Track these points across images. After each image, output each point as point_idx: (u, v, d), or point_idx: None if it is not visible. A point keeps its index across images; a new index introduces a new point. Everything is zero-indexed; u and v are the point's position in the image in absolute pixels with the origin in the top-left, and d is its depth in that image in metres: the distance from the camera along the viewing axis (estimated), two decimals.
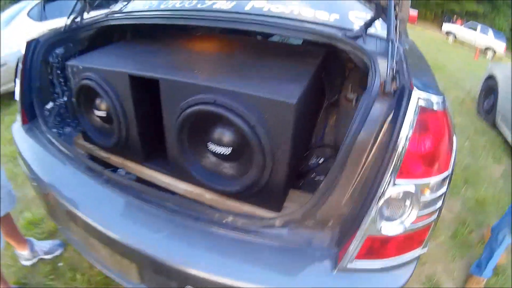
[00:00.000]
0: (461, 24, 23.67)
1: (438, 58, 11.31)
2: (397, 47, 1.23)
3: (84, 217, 1.46)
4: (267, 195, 1.45)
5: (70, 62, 1.74)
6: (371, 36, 1.59)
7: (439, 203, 1.19)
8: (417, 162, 1.12)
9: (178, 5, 1.89)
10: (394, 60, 1.20)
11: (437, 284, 2.42)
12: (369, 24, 1.50)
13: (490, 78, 5.94)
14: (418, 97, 1.08)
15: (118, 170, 1.83)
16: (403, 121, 1.07)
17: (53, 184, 1.62)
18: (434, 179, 1.14)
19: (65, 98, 2.13)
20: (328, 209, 1.24)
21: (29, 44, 1.92)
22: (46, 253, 2.29)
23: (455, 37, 22.02)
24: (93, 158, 1.93)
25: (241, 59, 1.70)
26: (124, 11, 2.12)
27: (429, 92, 1.13)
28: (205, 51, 1.88)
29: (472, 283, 2.39)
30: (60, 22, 2.10)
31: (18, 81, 1.92)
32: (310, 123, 2.05)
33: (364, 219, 1.13)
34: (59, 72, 2.06)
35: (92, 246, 1.60)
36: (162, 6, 1.95)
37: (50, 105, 2.06)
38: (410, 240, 1.22)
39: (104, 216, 1.46)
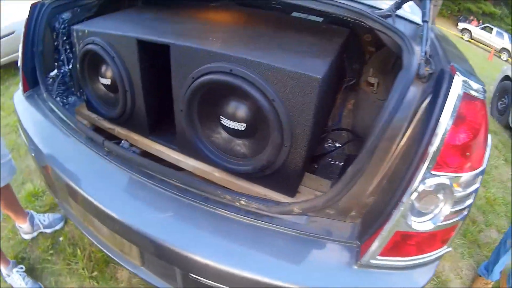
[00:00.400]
0: (477, 26, 23.50)
1: None
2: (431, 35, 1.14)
3: (82, 193, 1.37)
4: (282, 178, 1.35)
5: (76, 26, 1.63)
6: (401, 18, 1.49)
7: (470, 200, 1.09)
8: (454, 154, 1.01)
9: None
10: (428, 42, 1.10)
11: (445, 282, 2.37)
12: (400, 4, 1.40)
13: (505, 80, 5.86)
14: (461, 82, 0.97)
15: (122, 142, 1.73)
16: (443, 108, 0.96)
17: (51, 156, 1.54)
18: (469, 174, 1.03)
19: (70, 66, 2.03)
20: (351, 198, 1.13)
21: (33, 7, 1.80)
22: (46, 227, 2.24)
23: (471, 36, 21.80)
24: (97, 129, 1.84)
25: (261, 31, 1.56)
26: None
27: (471, 77, 1.02)
28: (222, 22, 1.75)
29: (479, 284, 2.34)
30: None
31: (20, 46, 1.83)
32: (329, 105, 1.93)
33: (394, 212, 1.02)
34: (65, 38, 1.95)
35: (91, 223, 1.52)
36: None
37: (54, 72, 1.97)
38: (436, 238, 1.12)
39: (103, 192, 1.37)
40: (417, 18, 1.55)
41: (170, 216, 1.24)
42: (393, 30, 1.27)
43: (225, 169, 1.43)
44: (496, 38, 20.51)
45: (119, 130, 1.78)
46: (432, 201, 1.05)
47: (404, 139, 1.05)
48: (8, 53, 4.53)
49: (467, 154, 1.03)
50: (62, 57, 2.00)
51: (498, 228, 3.06)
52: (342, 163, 1.88)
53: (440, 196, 1.04)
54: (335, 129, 2.10)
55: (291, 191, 1.39)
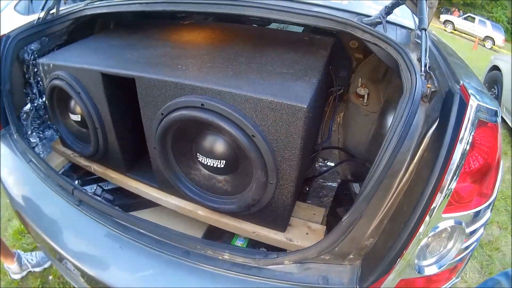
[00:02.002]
0: (459, 16, 23.61)
1: None
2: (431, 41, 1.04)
3: (53, 245, 1.26)
4: (270, 214, 1.24)
5: (41, 60, 1.52)
6: (390, 23, 1.36)
7: (481, 230, 0.98)
8: (468, 190, 0.88)
9: None
10: (427, 54, 1.00)
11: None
12: (391, 9, 1.26)
13: (494, 70, 5.81)
14: (476, 108, 0.84)
15: (94, 187, 1.62)
16: (455, 138, 0.83)
17: (21, 203, 1.43)
18: (481, 207, 0.93)
19: (44, 99, 1.90)
20: (349, 242, 1.02)
21: None
22: (35, 265, 2.14)
23: (454, 27, 21.83)
24: (74, 166, 1.75)
25: (237, 51, 1.43)
26: None
27: (484, 98, 0.89)
28: (194, 42, 1.61)
29: None
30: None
31: None
32: (317, 123, 1.80)
33: (399, 259, 0.90)
34: (36, 70, 1.83)
35: (69, 271, 1.39)
36: None
37: (27, 106, 1.84)
38: (443, 275, 1.01)
39: (75, 246, 1.25)
40: (408, 22, 1.45)
41: (149, 275, 1.12)
42: (386, 41, 1.16)
43: (208, 208, 1.32)
44: (479, 27, 20.60)
45: (95, 168, 1.67)
46: (441, 243, 0.95)
47: (407, 174, 0.93)
48: None
49: (482, 186, 0.92)
50: (34, 90, 1.88)
51: (500, 224, 2.98)
52: (335, 184, 1.79)
53: (452, 236, 0.94)
54: (326, 147, 1.99)
55: (282, 226, 1.28)
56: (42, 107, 1.92)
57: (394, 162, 0.91)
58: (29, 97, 1.86)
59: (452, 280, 1.04)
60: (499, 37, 20.07)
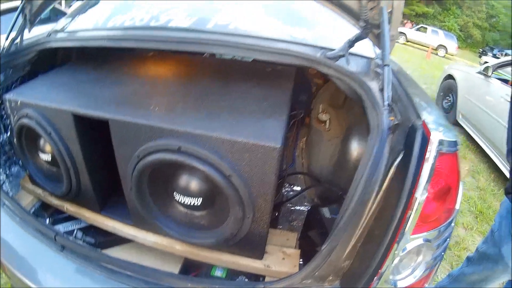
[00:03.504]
0: (411, 27, 24.46)
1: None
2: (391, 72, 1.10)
3: None
4: (248, 244, 1.27)
5: (8, 96, 1.47)
6: (354, 55, 1.42)
7: (448, 241, 1.08)
8: (432, 212, 0.98)
9: (128, 23, 1.59)
10: (390, 88, 1.06)
11: None
12: (353, 42, 1.31)
13: (449, 78, 6.08)
14: (438, 141, 0.93)
15: (74, 231, 1.59)
16: (419, 170, 0.92)
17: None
18: (446, 222, 1.03)
19: (9, 133, 1.84)
20: (327, 266, 1.06)
21: None
22: None
23: (406, 38, 22.46)
24: (45, 204, 1.69)
25: (205, 86, 1.45)
26: (67, 30, 1.82)
27: (444, 130, 0.99)
28: (162, 77, 1.62)
29: None
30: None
31: None
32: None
33: (376, 277, 0.98)
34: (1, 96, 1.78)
35: None
36: (110, 24, 1.64)
37: None
38: (419, 283, 1.09)
39: None
40: (369, 51, 1.50)
41: None
42: (350, 77, 1.21)
43: (187, 243, 1.33)
44: (431, 36, 21.40)
45: (68, 207, 1.61)
46: (412, 259, 1.03)
47: (377, 201, 0.99)
48: None
49: (446, 206, 1.01)
50: (3, 135, 1.82)
51: (464, 225, 3.14)
52: (303, 208, 1.83)
53: (421, 252, 1.02)
54: (292, 173, 2.03)
55: (259, 254, 1.31)
56: (7, 142, 1.85)
57: (365, 192, 0.98)
58: None
59: (425, 286, 1.12)
60: (452, 45, 20.94)
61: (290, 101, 1.34)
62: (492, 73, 4.78)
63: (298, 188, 1.97)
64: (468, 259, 1.89)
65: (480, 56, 22.65)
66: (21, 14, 1.76)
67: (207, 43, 1.37)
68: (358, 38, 1.29)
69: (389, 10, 1.14)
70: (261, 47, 1.33)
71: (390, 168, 0.98)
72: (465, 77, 5.51)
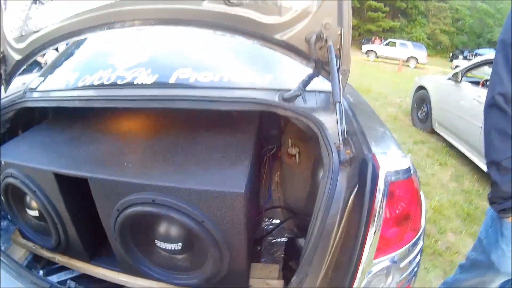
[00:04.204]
0: (380, 43, 25.00)
1: (362, 82, 10.81)
2: (344, 108, 1.17)
3: None
4: (231, 280, 1.33)
5: None
6: (310, 91, 1.49)
7: (418, 257, 1.14)
8: (393, 236, 1.06)
9: (96, 82, 1.71)
10: (344, 125, 1.13)
11: None
12: (307, 81, 1.42)
13: (420, 90, 6.27)
14: (386, 173, 1.01)
15: (67, 282, 1.63)
16: (372, 200, 1.00)
17: None
18: (411, 242, 1.09)
19: None
20: None
21: None
22: None
23: (376, 55, 22.92)
24: (37, 256, 1.73)
25: (173, 138, 1.56)
26: (40, 89, 1.92)
27: (395, 159, 1.07)
28: (133, 130, 1.73)
29: None
30: None
31: None
32: (256, 185, 1.91)
33: None
34: None
35: None
36: (80, 83, 1.75)
37: None
38: None
39: None
40: (326, 85, 1.56)
41: None
42: (306, 117, 1.30)
43: (173, 284, 1.39)
44: (400, 50, 21.92)
45: (59, 258, 1.67)
46: (381, 279, 1.08)
47: (339, 232, 1.07)
48: None
49: (406, 227, 1.08)
50: None
51: (453, 230, 3.17)
52: (284, 239, 1.89)
53: (389, 272, 1.07)
54: (269, 208, 2.10)
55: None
56: None
57: (326, 225, 1.06)
58: None
59: None
60: (422, 54, 21.52)
61: (255, 144, 1.44)
62: (461, 78, 4.92)
63: (277, 221, 2.03)
64: (461, 266, 1.93)
65: (451, 60, 23.23)
66: None
67: (172, 99, 1.48)
68: (311, 77, 1.39)
69: (338, 47, 1.23)
70: (222, 98, 1.45)
71: (348, 199, 1.07)
72: (436, 86, 5.68)
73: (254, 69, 1.68)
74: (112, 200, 1.27)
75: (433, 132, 5.71)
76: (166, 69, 1.65)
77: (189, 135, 1.57)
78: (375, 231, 0.99)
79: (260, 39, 1.36)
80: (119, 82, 1.64)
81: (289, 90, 1.46)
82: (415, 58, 21.39)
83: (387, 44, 23.47)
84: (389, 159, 1.06)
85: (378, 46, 23.93)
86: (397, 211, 1.05)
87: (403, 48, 22.05)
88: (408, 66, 20.59)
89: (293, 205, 1.96)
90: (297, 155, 1.87)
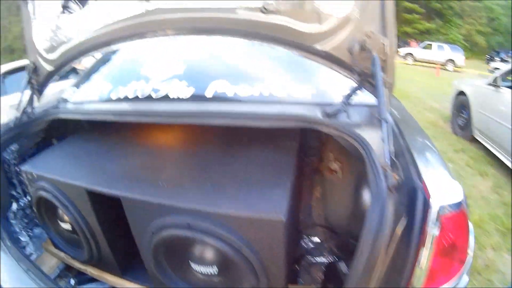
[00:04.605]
0: (417, 46, 24.52)
1: (401, 86, 10.53)
2: (392, 126, 1.09)
3: None
4: None
5: (24, 168, 1.55)
6: (354, 106, 1.39)
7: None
8: (439, 268, 0.98)
9: (130, 95, 1.69)
10: (391, 145, 1.05)
11: None
12: (351, 95, 1.33)
13: (460, 95, 6.02)
14: (438, 208, 0.94)
15: None
16: (421, 234, 0.93)
17: None
18: (458, 274, 1.02)
19: (29, 198, 1.92)
20: None
21: None
22: None
23: (414, 58, 22.48)
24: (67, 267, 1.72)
25: (209, 154, 1.51)
26: (74, 100, 1.95)
27: (446, 188, 1.00)
28: (167, 145, 1.69)
29: None
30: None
31: None
32: (297, 203, 1.80)
33: None
34: (18, 169, 1.85)
35: None
36: (113, 96, 1.74)
37: (14, 206, 1.85)
38: None
39: None
40: (369, 97, 1.48)
41: None
42: (351, 135, 1.21)
43: None
44: (438, 53, 21.43)
45: (91, 271, 1.66)
46: None
47: (384, 266, 0.99)
48: None
49: (454, 260, 1.01)
50: (18, 190, 1.89)
51: (493, 246, 3.00)
52: (323, 259, 1.80)
53: None
54: (309, 225, 2.01)
55: None
56: (28, 204, 1.91)
57: (370, 258, 0.97)
58: (14, 197, 1.87)
59: None
60: (459, 57, 20.92)
61: (296, 161, 1.37)
62: (501, 82, 4.70)
63: (317, 239, 1.93)
64: None
65: (488, 63, 22.38)
66: (28, 84, 1.87)
67: (209, 116, 1.42)
68: (354, 91, 1.30)
69: (382, 57, 1.14)
70: (262, 115, 1.38)
71: (394, 229, 0.98)
72: (476, 91, 5.44)
73: (294, 80, 1.60)
74: (146, 220, 1.24)
75: (473, 139, 5.45)
76: (202, 81, 1.61)
77: (226, 150, 1.52)
78: (422, 266, 0.94)
79: (300, 49, 1.30)
80: (153, 96, 1.61)
81: (332, 104, 1.39)
82: (453, 60, 20.83)
83: (424, 47, 23.01)
84: (441, 189, 0.99)
85: (415, 49, 23.46)
86: (446, 244, 0.98)
87: (440, 51, 21.55)
88: (446, 69, 20.04)
89: (334, 223, 1.87)
90: (339, 170, 1.75)
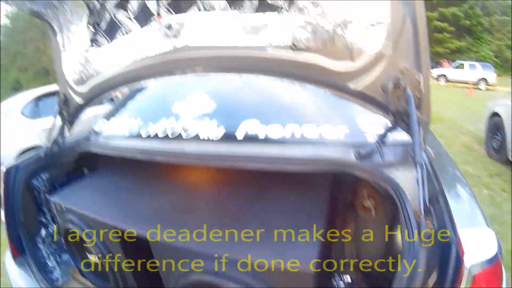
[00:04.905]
0: (449, 66, 24.22)
1: (435, 109, 10.34)
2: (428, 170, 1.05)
3: None
4: None
5: (53, 199, 1.58)
6: (388, 144, 1.33)
7: None
8: None
9: (160, 133, 1.69)
10: (425, 191, 1.00)
11: None
12: (385, 135, 1.27)
13: (493, 116, 5.84)
14: (471, 266, 0.91)
15: None
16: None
17: None
18: None
19: (57, 225, 1.94)
20: None
21: (7, 172, 1.74)
22: None
23: (447, 79, 22.12)
24: None
25: (237, 195, 1.49)
26: (105, 133, 1.98)
27: (481, 242, 0.96)
28: (195, 184, 1.68)
29: None
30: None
31: (2, 211, 1.75)
32: (328, 241, 1.65)
33: None
34: (47, 196, 1.88)
35: None
36: (143, 132, 1.75)
37: (42, 232, 1.88)
38: None
39: None
40: (403, 135, 1.40)
41: None
42: (384, 180, 1.17)
43: None
44: (470, 72, 21.01)
45: None
46: None
47: None
48: None
49: None
50: (47, 216, 1.92)
51: None
52: None
53: None
54: (341, 264, 1.89)
55: None
56: (57, 232, 1.95)
57: None
58: (42, 223, 1.90)
59: None
60: (491, 75, 20.51)
61: (328, 202, 1.35)
62: None
63: (349, 279, 1.83)
64: None
65: None
66: (59, 115, 1.92)
67: (239, 160, 1.40)
68: (388, 130, 1.25)
69: (417, 94, 1.09)
70: (295, 159, 1.34)
71: (424, 284, 0.94)
72: (510, 112, 5.25)
73: (326, 119, 1.55)
74: (174, 263, 1.23)
75: (508, 162, 5.24)
76: (233, 121, 1.59)
77: (256, 191, 1.50)
78: None
79: (332, 88, 1.25)
80: (183, 136, 1.61)
81: (365, 144, 1.34)
82: (485, 79, 20.36)
83: (456, 67, 22.69)
84: (475, 244, 0.95)
85: (447, 70, 23.16)
86: None
87: (472, 70, 21.13)
88: (479, 88, 19.56)
89: (367, 263, 1.77)
90: (372, 208, 1.66)
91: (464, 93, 16.45)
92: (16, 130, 4.88)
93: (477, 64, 21.67)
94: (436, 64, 26.75)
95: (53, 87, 5.40)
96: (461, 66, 22.11)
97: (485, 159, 5.91)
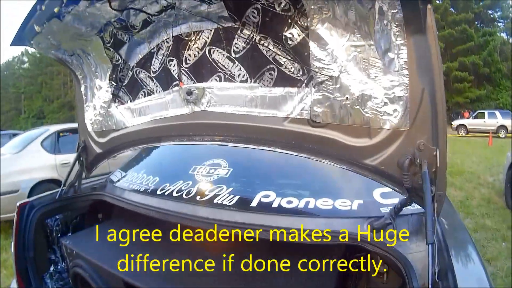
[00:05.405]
0: (469, 116, 24.16)
1: (454, 161, 10.28)
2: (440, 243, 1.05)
3: None
4: None
5: (65, 241, 1.61)
6: (402, 215, 1.31)
7: None
8: None
9: (175, 194, 1.70)
10: (435, 266, 0.99)
11: None
12: (399, 209, 1.26)
13: None
14: None
15: None
16: None
17: None
18: None
19: (65, 264, 1.96)
20: None
21: (21, 207, 1.78)
22: None
23: (467, 130, 22.06)
24: None
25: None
26: (120, 185, 2.00)
27: None
28: (207, 246, 1.65)
29: None
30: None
31: (12, 245, 1.77)
32: None
33: None
34: (59, 235, 1.93)
35: None
36: (159, 192, 1.76)
37: (51, 269, 1.90)
38: None
39: None
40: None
41: None
42: (394, 257, 1.16)
43: None
44: (490, 121, 20.96)
45: None
46: None
47: None
48: (9, 210, 4.14)
49: None
50: (57, 254, 1.95)
51: None
52: None
53: None
54: None
55: None
56: (65, 270, 1.96)
57: None
58: (52, 260, 1.92)
59: None
60: (511, 122, 20.19)
61: (339, 271, 1.34)
62: None
63: None
64: None
65: None
66: (77, 161, 1.98)
67: (251, 229, 1.39)
68: (403, 205, 1.24)
69: (433, 169, 1.07)
70: (305, 232, 1.33)
71: None
72: None
73: (340, 190, 1.56)
74: None
75: None
76: (248, 191, 1.61)
77: (266, 259, 1.47)
78: None
79: (348, 164, 1.26)
80: (198, 199, 1.62)
81: (379, 216, 1.32)
82: (505, 126, 20.19)
83: (475, 116, 22.61)
84: None
85: (467, 120, 23.18)
86: None
87: (491, 119, 21.06)
88: (499, 136, 19.37)
89: None
90: (385, 274, 1.63)
91: (484, 142, 16.32)
92: (36, 162, 5.05)
93: (496, 112, 21.65)
94: (456, 115, 26.72)
95: (74, 125, 5.60)
96: (481, 116, 22.01)
97: (504, 211, 5.71)
